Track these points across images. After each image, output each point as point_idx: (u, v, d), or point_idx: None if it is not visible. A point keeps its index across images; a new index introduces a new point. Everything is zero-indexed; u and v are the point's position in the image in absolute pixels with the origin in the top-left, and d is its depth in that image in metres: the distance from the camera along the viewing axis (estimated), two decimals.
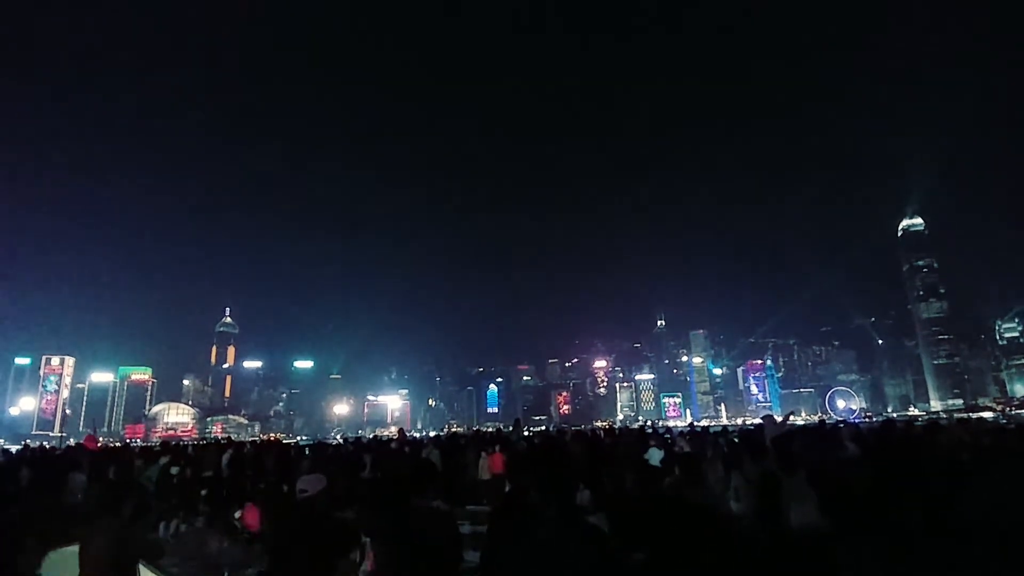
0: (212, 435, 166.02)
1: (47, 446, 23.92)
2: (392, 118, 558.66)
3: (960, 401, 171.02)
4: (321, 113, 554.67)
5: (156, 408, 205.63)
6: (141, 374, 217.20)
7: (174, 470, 11.78)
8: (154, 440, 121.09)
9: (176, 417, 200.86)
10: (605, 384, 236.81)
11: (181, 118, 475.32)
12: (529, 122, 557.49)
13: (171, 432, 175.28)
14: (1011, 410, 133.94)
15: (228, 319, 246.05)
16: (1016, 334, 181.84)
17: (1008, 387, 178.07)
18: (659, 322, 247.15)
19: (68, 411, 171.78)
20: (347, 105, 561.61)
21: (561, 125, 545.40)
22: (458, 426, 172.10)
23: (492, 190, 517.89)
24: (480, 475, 13.18)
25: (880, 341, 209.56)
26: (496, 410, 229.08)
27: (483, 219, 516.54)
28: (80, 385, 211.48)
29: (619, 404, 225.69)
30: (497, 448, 13.38)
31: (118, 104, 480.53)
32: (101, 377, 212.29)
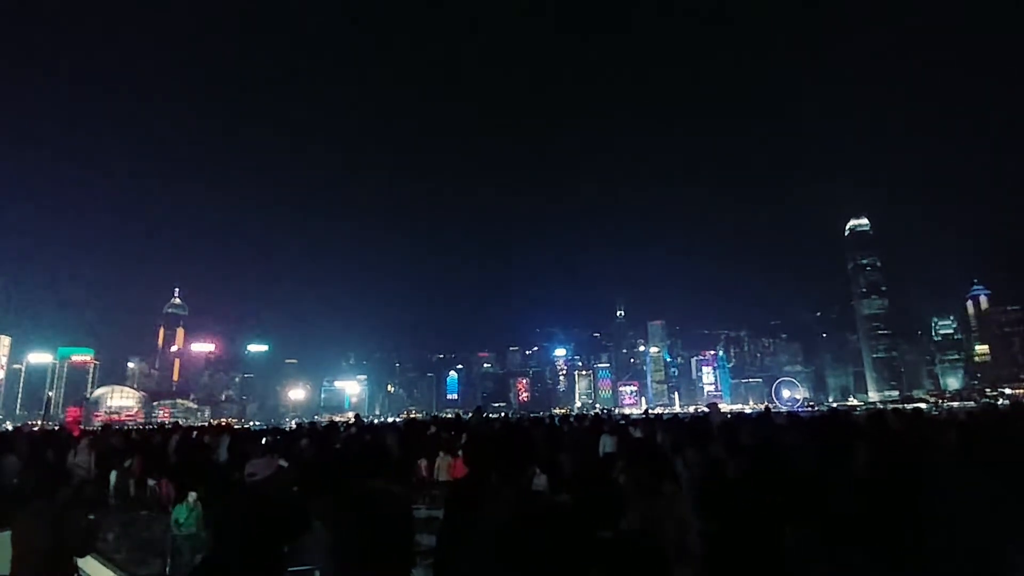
0: (158, 420, 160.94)
1: None
2: (351, 103, 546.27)
3: (896, 393, 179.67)
4: (278, 93, 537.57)
5: (99, 391, 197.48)
6: (83, 356, 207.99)
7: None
8: (96, 424, 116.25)
9: (120, 401, 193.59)
10: (564, 372, 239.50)
11: (128, 93, 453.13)
12: (492, 114, 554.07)
13: (114, 416, 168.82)
14: (944, 402, 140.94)
15: (177, 300, 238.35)
16: (950, 331, 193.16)
17: (941, 380, 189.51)
18: (619, 312, 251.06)
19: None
20: (304, 87, 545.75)
21: (523, 119, 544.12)
22: (417, 412, 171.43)
23: (454, 179, 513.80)
24: (437, 475, 12.09)
25: (824, 335, 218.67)
26: (456, 396, 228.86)
27: (445, 207, 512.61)
28: (16, 366, 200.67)
29: (577, 392, 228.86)
30: (460, 453, 11.86)
31: (60, 82, 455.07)
32: (39, 358, 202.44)
